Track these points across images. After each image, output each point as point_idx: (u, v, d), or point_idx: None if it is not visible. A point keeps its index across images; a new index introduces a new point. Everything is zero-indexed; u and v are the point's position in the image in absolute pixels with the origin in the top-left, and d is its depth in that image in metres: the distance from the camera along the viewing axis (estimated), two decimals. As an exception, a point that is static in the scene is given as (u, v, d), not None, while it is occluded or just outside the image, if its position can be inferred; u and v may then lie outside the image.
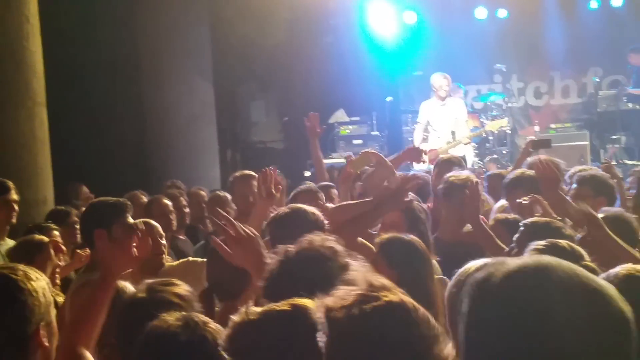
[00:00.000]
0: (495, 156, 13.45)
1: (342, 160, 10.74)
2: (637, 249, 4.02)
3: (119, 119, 12.82)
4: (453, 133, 11.77)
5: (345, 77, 14.37)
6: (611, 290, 1.43)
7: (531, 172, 5.49)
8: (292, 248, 2.73)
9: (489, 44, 15.21)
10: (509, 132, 14.15)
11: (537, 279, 1.42)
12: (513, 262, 1.48)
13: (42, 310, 2.44)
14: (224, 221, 3.39)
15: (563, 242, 3.21)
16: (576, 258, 3.03)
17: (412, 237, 3.91)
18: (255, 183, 5.48)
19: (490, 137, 13.81)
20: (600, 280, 1.46)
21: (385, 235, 3.93)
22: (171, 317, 2.47)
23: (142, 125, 12.87)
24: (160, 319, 2.46)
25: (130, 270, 3.20)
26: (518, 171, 6.00)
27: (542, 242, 3.17)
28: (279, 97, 15.75)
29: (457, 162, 6.87)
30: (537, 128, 14.61)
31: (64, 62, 11.14)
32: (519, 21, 15.29)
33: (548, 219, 4.07)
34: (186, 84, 12.77)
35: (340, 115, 14.34)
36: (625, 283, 2.44)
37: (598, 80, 15.24)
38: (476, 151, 13.22)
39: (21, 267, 2.52)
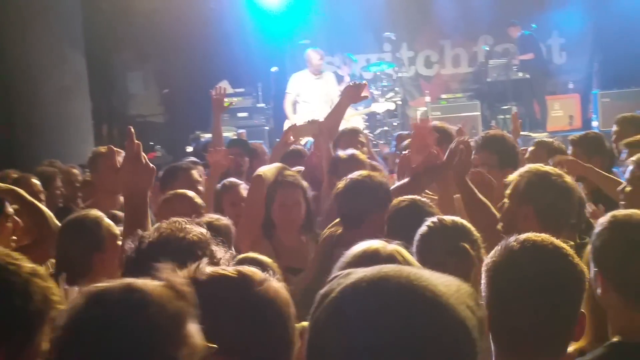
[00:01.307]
0: (386, 128, 13.14)
1: (229, 134, 10.43)
2: None
3: (-19, 91, 11.94)
4: (331, 107, 11.62)
5: (228, 46, 13.85)
6: (452, 298, 1.38)
7: None
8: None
9: (378, 12, 14.82)
10: (400, 103, 13.90)
11: (369, 295, 1.39)
12: (353, 276, 1.43)
13: None
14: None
15: (447, 219, 3.19)
16: (464, 233, 3.11)
17: None
18: (120, 159, 5.08)
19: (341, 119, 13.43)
20: (442, 287, 1.39)
21: None
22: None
23: (8, 98, 12.06)
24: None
25: None
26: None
27: (432, 219, 3.19)
28: (157, 67, 15.11)
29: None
30: (428, 99, 14.46)
31: None
32: (408, -12, 14.99)
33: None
34: (55, 52, 11.99)
35: (223, 87, 13.73)
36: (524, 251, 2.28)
37: (488, 48, 15.13)
38: (366, 123, 12.94)
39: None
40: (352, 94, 6.02)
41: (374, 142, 12.37)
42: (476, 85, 15.03)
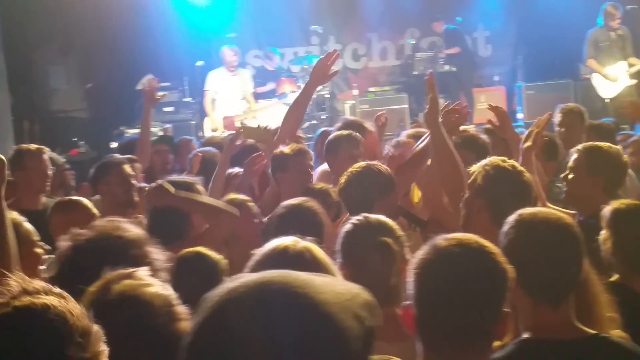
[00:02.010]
0: (314, 122, 13.10)
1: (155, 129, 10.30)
2: None
3: None
4: (249, 102, 12.48)
5: (153, 40, 13.57)
6: (335, 307, 1.36)
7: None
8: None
9: (305, 5, 14.79)
10: (328, 96, 13.89)
11: (243, 301, 1.37)
12: (238, 281, 1.41)
13: None
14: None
15: (373, 217, 3.20)
16: (388, 231, 3.12)
17: None
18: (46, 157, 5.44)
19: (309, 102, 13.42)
20: (328, 295, 1.37)
21: None
22: None
23: None
24: None
25: None
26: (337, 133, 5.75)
27: (357, 217, 3.19)
28: (80, 62, 14.72)
29: None
30: (355, 92, 14.46)
31: None
32: (334, -20, 15.01)
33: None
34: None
35: (155, 79, 13.58)
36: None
37: (414, 42, 15.22)
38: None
39: None
40: (320, 74, 5.83)
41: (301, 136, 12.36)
42: (403, 78, 15.07)
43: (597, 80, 12.07)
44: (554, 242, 2.56)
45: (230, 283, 1.42)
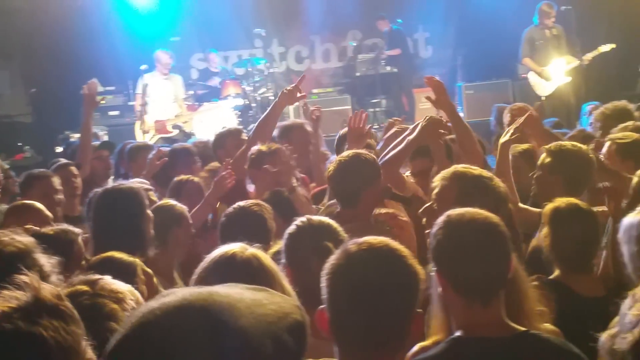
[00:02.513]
0: (259, 123, 13.16)
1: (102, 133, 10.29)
2: None
3: None
4: (180, 106, 12.31)
5: (97, 44, 13.57)
6: (252, 332, 1.36)
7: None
8: None
9: (248, 8, 14.82)
10: (272, 98, 13.94)
11: (160, 320, 1.37)
12: (162, 299, 1.41)
13: None
14: None
15: (316, 219, 3.27)
16: (331, 233, 3.18)
17: None
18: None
19: (253, 104, 13.56)
20: (246, 319, 1.38)
21: None
22: None
23: None
24: None
25: None
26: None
27: (301, 219, 3.25)
28: (23, 66, 14.63)
29: None
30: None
31: None
32: (277, -17, 15.10)
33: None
34: None
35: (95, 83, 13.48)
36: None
37: (355, 44, 15.40)
38: (240, 119, 12.91)
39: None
40: (289, 97, 6.00)
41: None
42: (346, 80, 15.24)
43: (533, 79, 12.31)
44: (480, 242, 2.57)
45: (154, 302, 1.41)
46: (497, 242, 2.60)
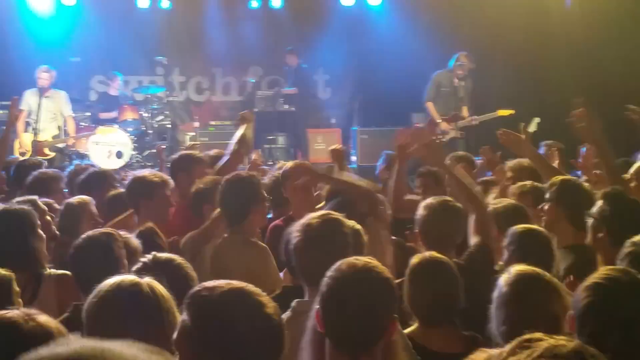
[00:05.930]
0: (154, 150, 13.13)
1: None
2: None
3: None
4: (59, 128, 12.07)
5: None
6: None
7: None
8: None
9: (151, 35, 14.84)
10: (169, 126, 13.99)
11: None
12: (52, 350, 1.38)
13: None
14: None
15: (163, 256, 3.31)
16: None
17: None
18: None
19: (150, 131, 13.51)
20: None
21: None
22: None
23: None
24: None
25: None
26: None
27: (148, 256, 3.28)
28: None
29: None
30: (197, 124, 14.61)
31: None
32: (182, 14, 15.15)
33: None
34: None
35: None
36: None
37: (255, 80, 15.58)
38: (135, 144, 12.83)
39: None
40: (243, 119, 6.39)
41: (142, 164, 12.40)
42: (245, 114, 15.29)
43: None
44: (358, 294, 2.61)
45: (45, 349, 1.40)
46: (375, 296, 2.63)
